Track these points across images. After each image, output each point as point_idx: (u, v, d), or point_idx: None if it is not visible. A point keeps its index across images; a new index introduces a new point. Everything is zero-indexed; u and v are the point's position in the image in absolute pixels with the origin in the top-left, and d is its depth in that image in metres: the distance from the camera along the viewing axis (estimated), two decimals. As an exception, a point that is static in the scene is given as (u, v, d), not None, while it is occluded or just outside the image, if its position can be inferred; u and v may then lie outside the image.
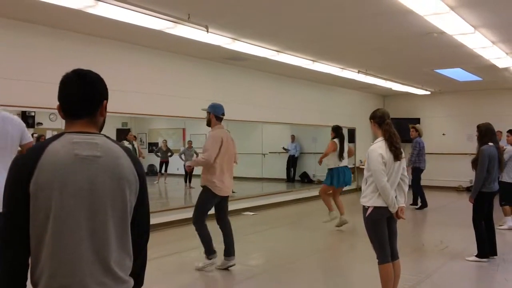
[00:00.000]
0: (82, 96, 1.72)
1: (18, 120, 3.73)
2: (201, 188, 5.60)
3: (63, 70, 1.78)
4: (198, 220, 5.51)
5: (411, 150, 10.39)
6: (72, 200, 1.60)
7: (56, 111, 1.76)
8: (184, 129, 14.48)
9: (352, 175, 8.44)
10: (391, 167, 4.05)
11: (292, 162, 14.81)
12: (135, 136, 11.58)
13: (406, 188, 4.25)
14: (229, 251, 5.61)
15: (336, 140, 8.02)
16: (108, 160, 1.67)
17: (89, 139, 1.68)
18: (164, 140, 14.01)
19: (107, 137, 1.75)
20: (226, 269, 5.58)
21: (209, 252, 5.53)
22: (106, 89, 1.80)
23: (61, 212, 1.58)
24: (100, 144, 1.68)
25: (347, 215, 8.05)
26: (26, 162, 1.61)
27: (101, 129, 1.81)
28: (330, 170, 8.13)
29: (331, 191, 8.22)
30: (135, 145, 10.06)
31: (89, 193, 1.62)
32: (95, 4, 5.17)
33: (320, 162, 8.44)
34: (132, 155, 1.78)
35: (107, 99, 1.79)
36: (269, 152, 13.84)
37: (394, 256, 4.17)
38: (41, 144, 1.66)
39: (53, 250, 1.57)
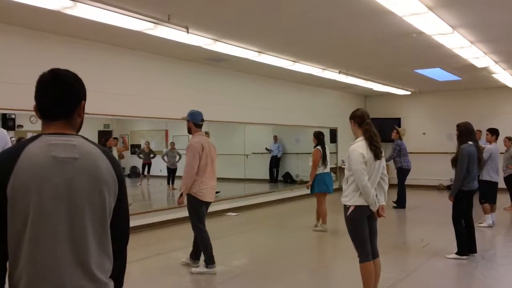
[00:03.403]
0: (59, 96, 1.68)
1: (4, 132, 3.70)
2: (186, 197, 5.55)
3: (42, 71, 1.72)
4: (196, 226, 5.52)
5: (391, 152, 10.62)
6: (50, 203, 1.56)
7: None
8: (166, 131, 14.43)
9: (333, 181, 8.25)
10: (372, 166, 4.08)
11: (275, 162, 14.84)
12: (116, 138, 11.30)
13: (386, 187, 4.29)
14: (196, 255, 5.71)
15: (319, 147, 7.98)
16: (86, 162, 1.64)
17: (66, 140, 1.64)
18: (147, 142, 13.95)
19: (85, 138, 1.71)
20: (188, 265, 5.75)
21: (209, 261, 5.48)
22: (84, 89, 1.75)
23: (39, 216, 1.55)
24: (78, 146, 1.65)
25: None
26: (1, 166, 1.56)
27: (79, 130, 1.77)
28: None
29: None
30: (114, 151, 9.69)
31: (67, 196, 1.59)
32: (74, 5, 5.08)
33: (311, 177, 7.91)
34: (111, 156, 1.74)
35: (85, 99, 1.75)
36: (252, 153, 13.85)
37: (374, 254, 4.22)
38: (17, 146, 1.61)
39: (31, 254, 1.54)
